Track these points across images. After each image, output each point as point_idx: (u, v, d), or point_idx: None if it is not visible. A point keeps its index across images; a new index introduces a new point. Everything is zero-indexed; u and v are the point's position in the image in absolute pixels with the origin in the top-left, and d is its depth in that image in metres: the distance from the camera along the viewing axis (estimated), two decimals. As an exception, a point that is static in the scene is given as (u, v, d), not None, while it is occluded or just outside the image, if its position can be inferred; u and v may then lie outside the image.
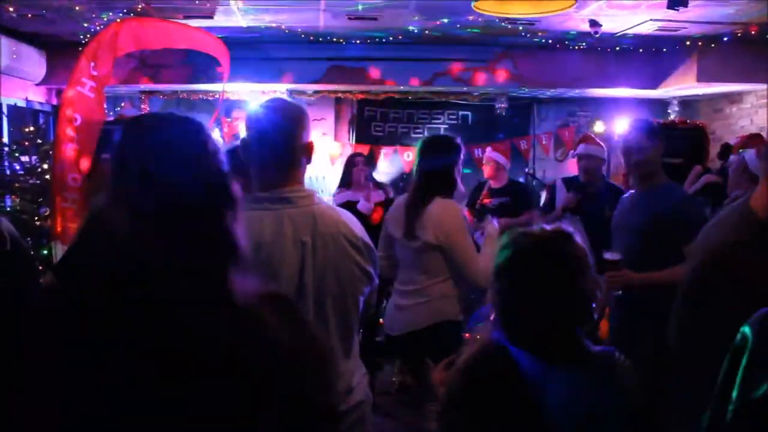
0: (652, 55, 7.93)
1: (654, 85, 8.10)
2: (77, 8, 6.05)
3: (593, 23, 6.29)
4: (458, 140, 3.56)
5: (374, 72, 8.01)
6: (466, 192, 6.62)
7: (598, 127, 8.92)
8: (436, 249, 3.35)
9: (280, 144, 2.08)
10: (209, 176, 1.30)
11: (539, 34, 7.25)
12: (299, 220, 2.03)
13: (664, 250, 3.18)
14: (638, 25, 6.51)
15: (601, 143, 5.38)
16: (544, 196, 8.14)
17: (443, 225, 3.32)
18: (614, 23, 6.48)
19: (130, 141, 1.30)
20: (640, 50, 7.86)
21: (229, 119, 8.74)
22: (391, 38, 7.53)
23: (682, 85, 7.75)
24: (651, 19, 6.27)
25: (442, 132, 8.72)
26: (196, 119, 1.37)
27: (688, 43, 7.26)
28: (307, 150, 2.14)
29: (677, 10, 5.04)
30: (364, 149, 8.15)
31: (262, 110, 2.13)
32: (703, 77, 7.34)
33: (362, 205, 5.55)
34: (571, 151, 5.53)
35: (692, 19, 6.08)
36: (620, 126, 7.93)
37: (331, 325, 2.08)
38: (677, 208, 3.29)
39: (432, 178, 3.43)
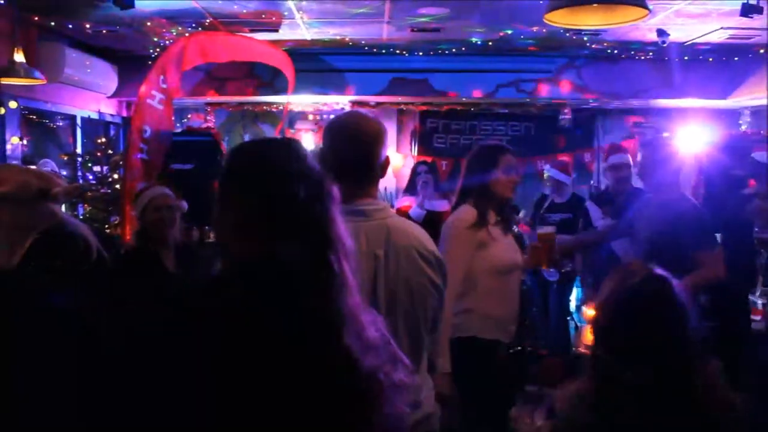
0: (723, 64, 7.73)
1: (724, 95, 7.89)
2: (148, 24, 6.23)
3: (661, 33, 6.16)
4: (502, 146, 3.49)
5: (437, 84, 8.01)
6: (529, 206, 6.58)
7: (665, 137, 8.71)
8: None
9: (360, 158, 2.09)
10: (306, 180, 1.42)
11: (605, 44, 7.14)
12: (373, 232, 2.04)
13: None
14: (708, 33, 6.36)
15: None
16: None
17: (443, 229, 3.27)
18: (683, 32, 6.34)
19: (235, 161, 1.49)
20: (710, 59, 7.67)
21: (292, 131, 8.85)
22: (454, 50, 7.53)
23: (755, 95, 7.51)
24: (722, 28, 6.11)
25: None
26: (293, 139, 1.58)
27: (761, 51, 7.05)
28: (384, 165, 2.16)
29: (751, 17, 4.90)
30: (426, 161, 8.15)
31: (344, 123, 2.15)
32: (776, 86, 7.10)
33: (414, 212, 5.58)
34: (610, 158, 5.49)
35: (765, 26, 5.90)
36: (691, 137, 7.77)
37: (401, 338, 2.06)
38: None
39: (467, 188, 3.39)
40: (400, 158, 8.88)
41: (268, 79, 7.84)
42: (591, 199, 5.74)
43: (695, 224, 3.47)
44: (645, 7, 2.86)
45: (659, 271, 1.82)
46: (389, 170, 7.28)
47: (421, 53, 7.73)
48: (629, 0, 2.87)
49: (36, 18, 6.08)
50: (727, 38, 6.53)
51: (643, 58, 7.78)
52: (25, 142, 6.54)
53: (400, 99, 8.42)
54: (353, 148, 2.09)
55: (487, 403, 3.12)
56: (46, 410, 1.43)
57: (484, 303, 3.17)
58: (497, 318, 3.21)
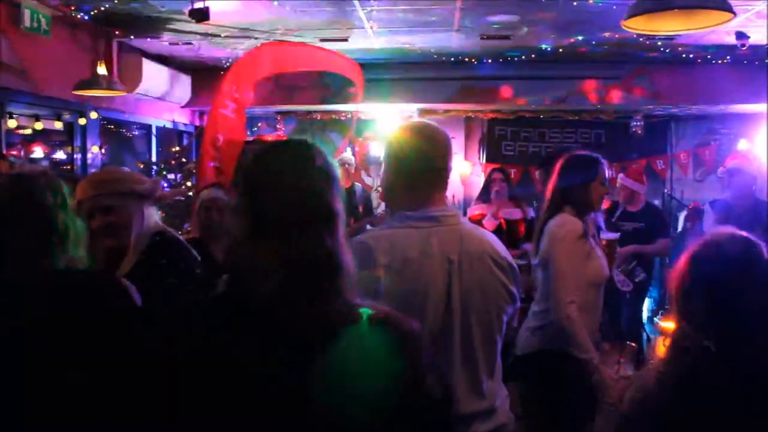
0: (805, 68, 7.43)
1: (806, 100, 7.58)
2: (222, 35, 6.38)
3: (740, 35, 5.97)
4: (597, 157, 3.44)
5: (506, 91, 7.95)
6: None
7: (743, 144, 8.42)
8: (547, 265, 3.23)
9: (429, 166, 2.11)
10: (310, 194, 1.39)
11: (679, 48, 6.96)
12: (446, 238, 2.05)
13: None
14: (790, 36, 6.13)
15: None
16: (682, 218, 7.79)
17: (551, 237, 3.21)
18: (763, 34, 6.12)
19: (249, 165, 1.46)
20: (791, 63, 7.39)
21: (360, 139, 8.91)
22: (523, 57, 7.46)
23: (838, 100, 7.20)
24: (806, 29, 5.89)
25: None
26: (310, 142, 1.49)
27: None
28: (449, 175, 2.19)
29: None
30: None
31: (412, 132, 2.16)
32: None
33: (487, 221, 5.54)
34: (721, 170, 5.26)
35: None
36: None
37: (476, 343, 2.06)
38: None
39: (563, 195, 3.33)
40: (467, 166, 8.83)
41: (337, 87, 7.91)
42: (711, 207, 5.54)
43: None
44: (729, 10, 2.77)
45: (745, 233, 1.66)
46: (457, 178, 7.35)
47: (490, 60, 7.69)
48: (712, 4, 2.79)
49: (117, 32, 6.30)
50: (810, 41, 6.29)
51: (719, 62, 7.55)
52: (103, 151, 6.78)
53: (468, 107, 8.39)
54: (422, 157, 2.10)
55: (571, 419, 3.06)
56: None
57: (579, 316, 3.11)
58: (589, 332, 3.14)
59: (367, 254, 1.93)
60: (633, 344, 3.65)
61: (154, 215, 2.63)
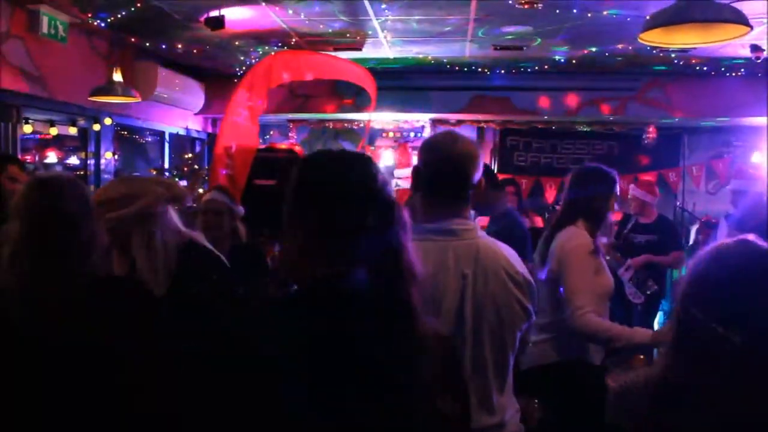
0: (819, 81, 7.40)
1: (819, 114, 7.55)
2: (236, 43, 6.41)
3: (755, 48, 5.96)
4: (612, 172, 3.43)
5: (518, 102, 7.95)
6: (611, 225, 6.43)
7: (756, 157, 8.39)
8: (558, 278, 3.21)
9: (453, 177, 2.08)
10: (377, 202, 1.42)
11: (693, 61, 6.95)
12: (462, 252, 2.03)
13: None
14: (805, 49, 6.11)
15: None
16: (693, 230, 7.76)
17: (562, 250, 3.19)
18: (778, 48, 6.12)
19: (307, 174, 1.46)
20: (806, 76, 7.36)
21: (372, 147, 8.92)
22: (536, 67, 7.47)
23: None
24: (820, 43, 5.87)
25: (585, 162, 8.49)
26: (366, 156, 1.53)
27: None
28: (478, 186, 2.15)
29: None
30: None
31: (440, 142, 2.15)
32: None
33: None
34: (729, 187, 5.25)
35: None
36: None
37: (487, 359, 2.05)
38: None
39: (576, 208, 3.32)
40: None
41: (350, 96, 7.94)
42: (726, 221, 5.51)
43: None
44: (746, 24, 2.77)
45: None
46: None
47: (503, 71, 7.70)
48: (728, 17, 2.78)
49: (133, 39, 6.34)
50: (825, 54, 6.26)
51: (734, 74, 7.53)
52: (116, 156, 6.82)
53: (480, 117, 8.39)
54: (448, 167, 2.08)
55: (587, 426, 3.04)
56: None
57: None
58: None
59: None
60: (642, 356, 3.62)
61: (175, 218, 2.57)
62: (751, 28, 2.82)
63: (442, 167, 2.10)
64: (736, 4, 4.53)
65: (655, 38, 2.95)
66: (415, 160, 2.36)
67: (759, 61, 6.16)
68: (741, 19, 2.75)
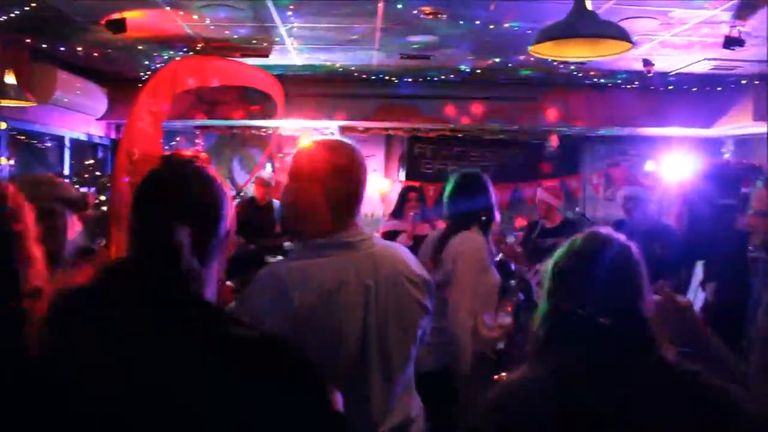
0: (707, 94, 7.85)
1: (708, 124, 8.01)
2: (140, 47, 6.27)
3: (646, 62, 6.27)
4: (484, 176, 3.62)
5: (426, 110, 8.08)
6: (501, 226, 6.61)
7: (650, 166, 8.82)
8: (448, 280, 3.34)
9: (342, 188, 2.02)
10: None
11: (591, 73, 7.25)
12: (362, 264, 1.99)
13: None
14: (692, 64, 6.47)
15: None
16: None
17: (457, 255, 3.32)
18: (668, 62, 6.45)
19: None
20: (694, 89, 7.79)
21: (281, 155, 8.87)
22: (443, 77, 7.61)
23: (738, 124, 7.63)
24: (706, 59, 6.22)
25: (491, 171, 8.71)
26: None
27: (743, 81, 7.17)
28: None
29: (733, 49, 5.00)
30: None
31: (332, 150, 2.05)
32: (759, 116, 7.21)
33: (401, 239, 5.61)
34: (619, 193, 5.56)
35: (748, 58, 6.02)
36: (675, 165, 7.85)
37: (394, 363, 2.05)
38: None
39: (464, 212, 3.46)
40: (387, 183, 8.92)
41: (257, 103, 7.88)
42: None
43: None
44: (628, 40, 2.92)
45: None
46: (376, 195, 7.35)
47: (410, 79, 7.81)
48: (613, 34, 2.93)
49: (28, 40, 6.10)
50: (711, 69, 6.65)
51: (629, 87, 7.90)
52: (12, 162, 6.54)
53: (389, 124, 8.48)
54: (342, 177, 2.01)
55: None
56: None
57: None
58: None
59: (280, 292, 1.86)
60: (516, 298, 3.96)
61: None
62: (633, 43, 2.98)
63: (338, 177, 2.03)
64: (625, 21, 4.79)
65: (546, 51, 3.08)
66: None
67: (650, 75, 6.48)
68: (624, 36, 2.90)
